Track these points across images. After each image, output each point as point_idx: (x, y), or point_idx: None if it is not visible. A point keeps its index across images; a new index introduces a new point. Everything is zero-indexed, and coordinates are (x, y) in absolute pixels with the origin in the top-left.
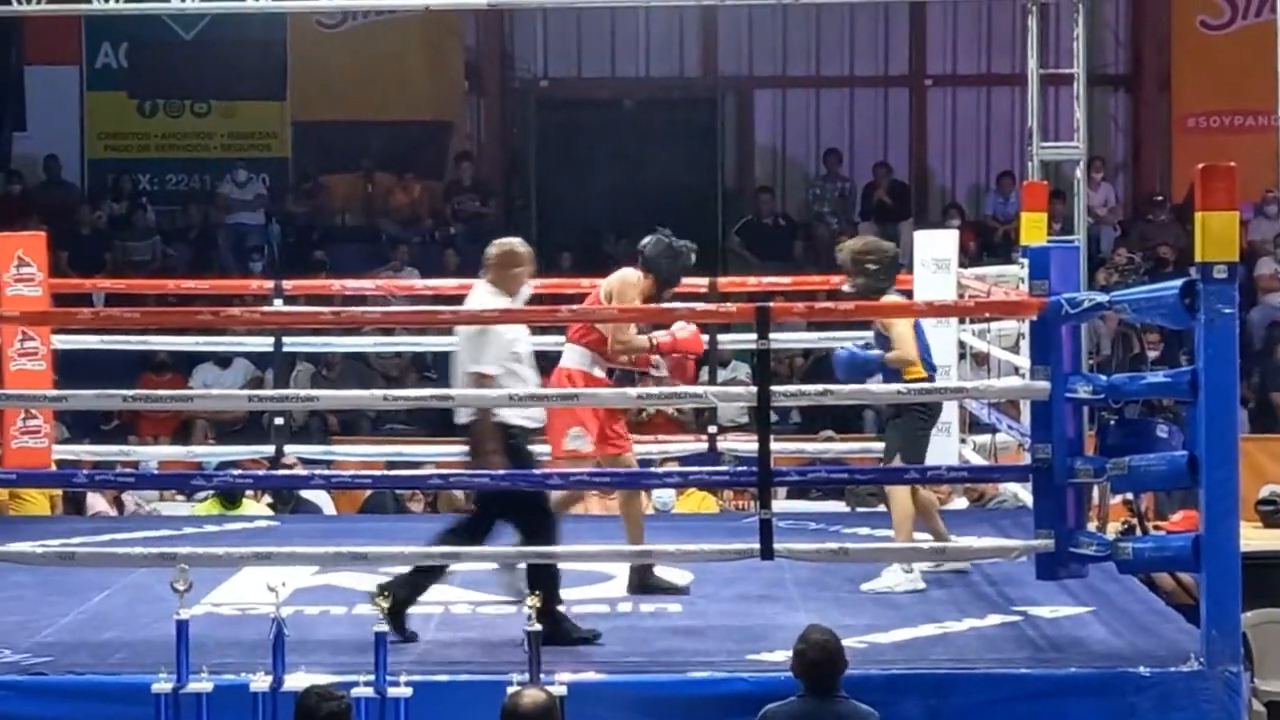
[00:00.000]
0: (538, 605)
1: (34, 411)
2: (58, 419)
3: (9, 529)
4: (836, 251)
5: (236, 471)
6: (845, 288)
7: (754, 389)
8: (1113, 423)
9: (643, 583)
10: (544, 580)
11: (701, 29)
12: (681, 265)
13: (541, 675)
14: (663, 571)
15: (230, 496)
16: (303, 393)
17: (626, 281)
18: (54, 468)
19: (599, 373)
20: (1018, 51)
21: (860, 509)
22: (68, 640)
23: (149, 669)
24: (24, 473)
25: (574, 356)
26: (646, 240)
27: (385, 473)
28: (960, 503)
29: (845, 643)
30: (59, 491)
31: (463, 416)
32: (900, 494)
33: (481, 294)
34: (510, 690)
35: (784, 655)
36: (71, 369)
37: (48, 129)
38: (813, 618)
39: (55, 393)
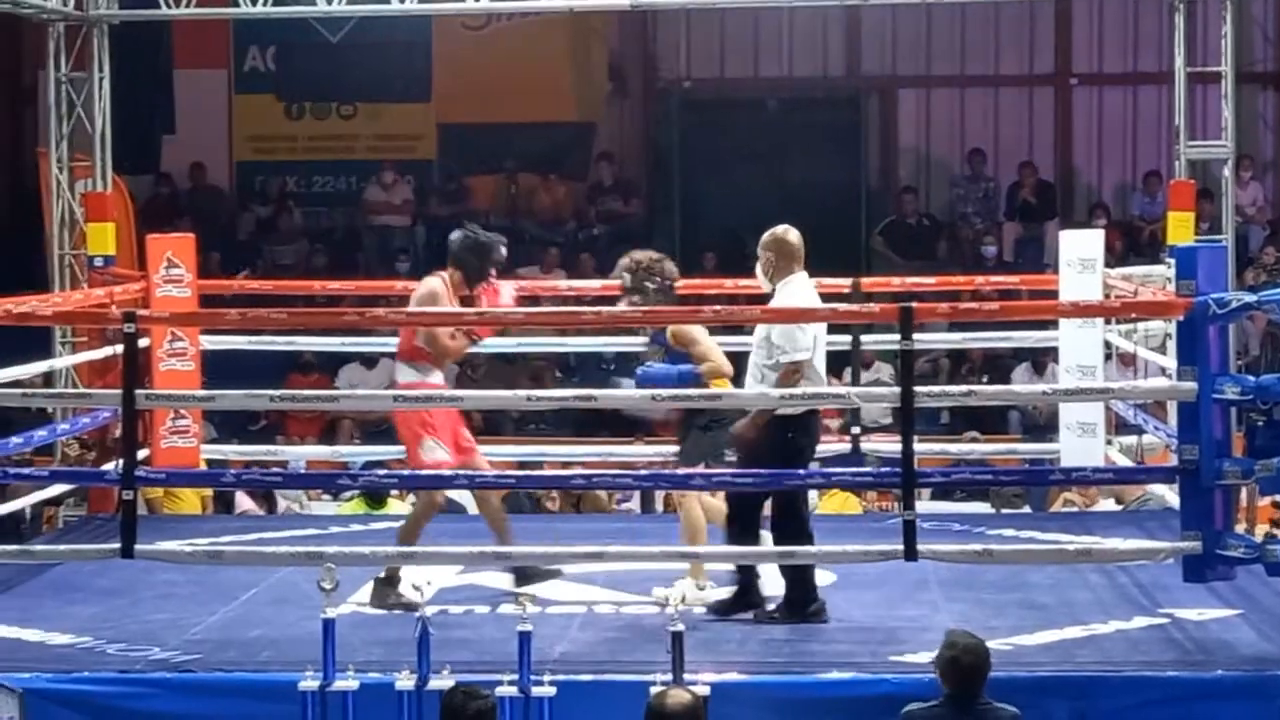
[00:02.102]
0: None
1: (183, 411)
2: (206, 419)
3: (160, 527)
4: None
5: (382, 471)
6: (622, 305)
7: (897, 389)
8: (1261, 424)
9: (520, 573)
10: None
11: (845, 29)
12: (492, 259)
13: (685, 676)
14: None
15: (376, 496)
16: (447, 393)
17: (434, 292)
18: (203, 467)
19: (436, 379)
20: (1164, 50)
21: (1005, 510)
22: (216, 638)
23: (295, 667)
24: (173, 472)
25: (406, 373)
26: (453, 236)
27: (529, 473)
28: (1108, 504)
29: (990, 644)
30: (209, 491)
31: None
32: (690, 504)
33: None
34: (654, 690)
35: (928, 657)
36: (219, 369)
37: (196, 132)
38: (956, 619)
39: (204, 393)
